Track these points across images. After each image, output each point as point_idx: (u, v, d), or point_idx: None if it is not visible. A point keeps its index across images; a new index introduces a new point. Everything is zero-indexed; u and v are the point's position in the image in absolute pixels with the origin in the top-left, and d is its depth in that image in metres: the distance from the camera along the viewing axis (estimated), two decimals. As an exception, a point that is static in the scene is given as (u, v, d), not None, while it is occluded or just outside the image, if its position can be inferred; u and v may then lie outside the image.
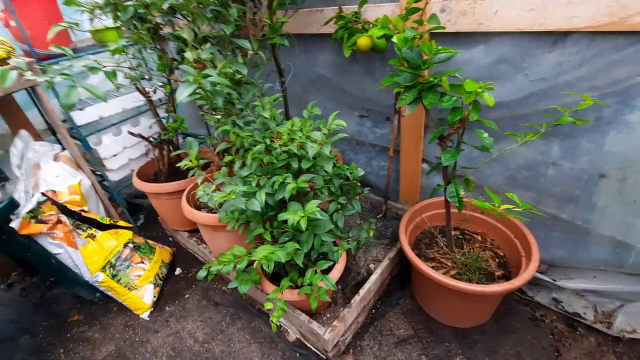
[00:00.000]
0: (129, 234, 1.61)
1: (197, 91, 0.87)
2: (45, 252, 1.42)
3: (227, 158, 1.00)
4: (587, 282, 1.28)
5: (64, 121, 1.66)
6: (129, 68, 1.06)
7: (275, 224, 1.06)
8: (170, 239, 1.95)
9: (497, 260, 1.34)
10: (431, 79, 0.98)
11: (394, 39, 1.00)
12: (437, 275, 1.12)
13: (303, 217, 0.83)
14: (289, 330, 1.35)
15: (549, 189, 1.22)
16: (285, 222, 0.96)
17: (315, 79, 1.65)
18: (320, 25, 1.41)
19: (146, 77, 1.41)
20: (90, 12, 1.19)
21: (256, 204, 0.91)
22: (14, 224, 1.31)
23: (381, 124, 1.59)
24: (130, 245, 1.59)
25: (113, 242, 1.55)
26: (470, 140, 1.21)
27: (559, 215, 1.23)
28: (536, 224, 1.27)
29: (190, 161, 1.02)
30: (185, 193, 1.45)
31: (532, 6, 0.98)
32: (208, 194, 0.93)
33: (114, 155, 1.81)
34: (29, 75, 0.89)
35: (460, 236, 1.45)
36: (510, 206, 0.87)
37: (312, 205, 0.87)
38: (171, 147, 1.63)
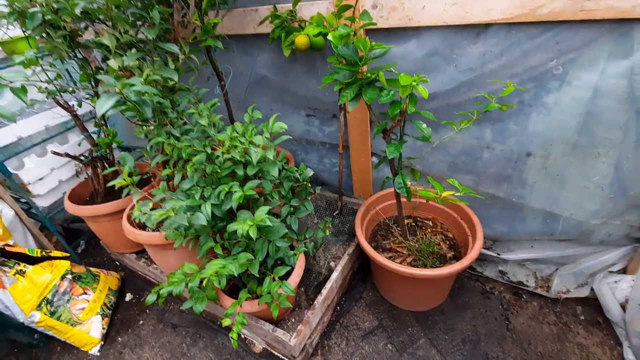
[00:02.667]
0: (66, 265, 1.46)
1: (122, 102, 0.80)
2: (-38, 299, 1.23)
3: (165, 172, 0.93)
4: (526, 252, 1.40)
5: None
6: (43, 82, 0.94)
7: (226, 235, 1.02)
8: (117, 262, 1.80)
9: (447, 242, 1.41)
10: (369, 74, 0.99)
11: (330, 37, 0.99)
12: (393, 265, 1.15)
13: (252, 225, 0.80)
14: (254, 341, 1.31)
15: (485, 171, 1.31)
16: (236, 232, 0.92)
17: (257, 80, 1.61)
18: (257, 25, 1.38)
19: (68, 89, 1.27)
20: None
21: (202, 218, 0.86)
22: None
23: (329, 122, 1.59)
24: (69, 276, 1.44)
25: (47, 275, 1.39)
26: (412, 131, 1.25)
27: (496, 194, 1.33)
28: (478, 204, 1.36)
29: (124, 179, 0.94)
30: (126, 212, 1.34)
31: (454, 1, 1.04)
32: (145, 213, 0.86)
33: (40, 179, 1.62)
34: None
35: (413, 224, 1.51)
36: (452, 192, 0.92)
37: (261, 213, 0.84)
38: (106, 164, 1.49)
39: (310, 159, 1.77)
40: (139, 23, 1.02)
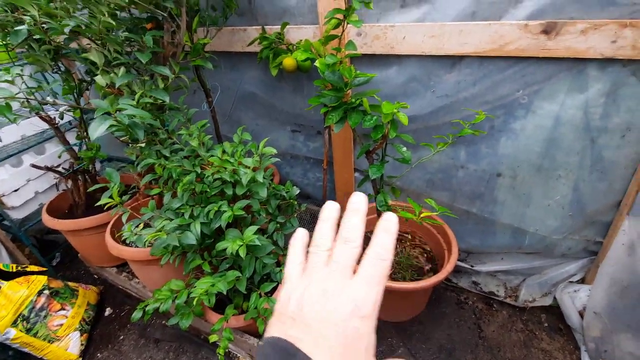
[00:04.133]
0: (42, 280, 1.42)
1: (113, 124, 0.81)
2: None
3: (155, 191, 0.95)
4: (497, 264, 1.50)
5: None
6: (26, 99, 0.94)
7: (213, 252, 1.04)
8: (96, 276, 1.76)
9: (425, 255, 1.49)
10: (353, 100, 1.06)
11: (317, 64, 1.05)
12: (375, 279, 1.21)
13: (242, 245, 0.83)
14: (239, 355, 1.32)
15: (460, 189, 1.40)
16: (224, 250, 0.94)
17: (244, 96, 1.64)
18: (245, 45, 1.41)
19: (50, 102, 1.26)
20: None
21: (191, 237, 0.89)
22: None
23: (313, 138, 1.65)
24: (46, 292, 1.40)
25: (23, 291, 1.34)
26: (392, 153, 1.32)
27: (470, 210, 1.42)
28: (453, 220, 1.45)
29: (112, 197, 0.95)
30: (109, 227, 1.33)
31: (432, 34, 1.12)
32: (136, 234, 0.88)
33: (16, 190, 1.57)
34: None
35: (393, 237, 1.57)
36: (429, 213, 0.99)
37: (250, 233, 0.88)
38: (87, 177, 1.47)
39: (294, 173, 1.81)
40: (129, 44, 1.03)
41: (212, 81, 1.51)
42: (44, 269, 1.46)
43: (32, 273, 1.42)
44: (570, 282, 1.42)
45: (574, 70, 1.05)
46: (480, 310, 1.47)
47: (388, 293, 1.24)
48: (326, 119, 1.10)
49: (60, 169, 1.46)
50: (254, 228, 0.90)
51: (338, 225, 0.35)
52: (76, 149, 1.50)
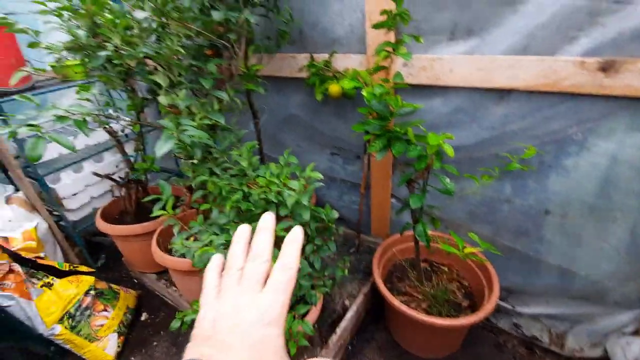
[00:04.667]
0: (90, 280, 1.51)
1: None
2: (-8, 307, 1.29)
3: (204, 206, 1.00)
4: (541, 307, 1.40)
5: (16, 157, 1.56)
6: (98, 114, 1.04)
7: (253, 270, 1.07)
8: (136, 280, 1.85)
9: (463, 290, 1.42)
10: (397, 129, 1.07)
11: (363, 92, 1.08)
12: (409, 311, 1.17)
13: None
14: (266, 374, 1.32)
15: (505, 223, 1.35)
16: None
17: (288, 118, 1.71)
18: (295, 71, 1.49)
19: (115, 117, 1.38)
20: (57, 53, 1.16)
21: (235, 254, 0.92)
22: (-43, 278, 1.19)
23: (352, 162, 1.67)
24: (92, 292, 1.49)
25: (72, 290, 1.44)
26: (434, 183, 1.31)
27: (514, 247, 1.36)
28: (495, 255, 1.39)
29: (164, 209, 1.01)
30: (155, 236, 1.40)
31: (481, 67, 1.12)
32: (186, 246, 0.92)
33: (75, 194, 1.71)
34: None
35: (429, 268, 1.53)
36: (473, 249, 0.96)
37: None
38: (139, 187, 1.57)
39: (330, 195, 1.83)
40: (192, 69, 1.12)
41: (259, 103, 1.59)
42: (92, 270, 1.56)
43: (82, 273, 1.52)
44: (623, 333, 1.29)
45: (633, 109, 1.00)
46: (521, 355, 1.38)
47: (423, 327, 1.19)
48: (369, 146, 1.12)
49: (115, 177, 1.58)
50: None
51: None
52: (132, 160, 1.62)
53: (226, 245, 0.95)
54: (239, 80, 1.19)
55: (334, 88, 1.33)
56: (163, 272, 1.70)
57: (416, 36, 1.01)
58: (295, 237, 0.37)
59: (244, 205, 1.01)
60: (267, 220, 0.38)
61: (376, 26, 1.03)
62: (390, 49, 1.05)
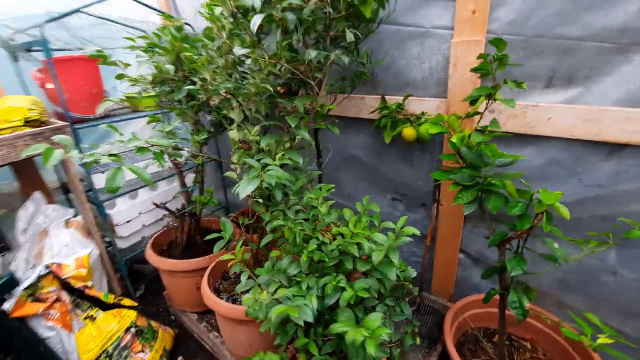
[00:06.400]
0: (132, 316, 1.43)
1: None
2: (34, 338, 1.23)
3: (274, 253, 0.90)
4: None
5: (80, 180, 1.58)
6: (173, 148, 1.02)
7: (319, 330, 0.93)
8: (173, 317, 1.75)
9: (553, 376, 1.18)
10: (493, 181, 0.95)
11: (454, 139, 0.99)
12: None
13: (372, 339, 0.71)
14: None
15: (608, 298, 1.13)
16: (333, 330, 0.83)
17: (347, 159, 1.64)
18: (362, 112, 1.44)
19: (185, 150, 1.38)
20: (143, 85, 1.18)
21: (308, 313, 0.80)
22: (6, 305, 1.15)
23: (414, 209, 1.54)
24: (133, 329, 1.40)
25: (114, 325, 1.36)
26: (531, 245, 1.15)
27: (621, 329, 1.12)
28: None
29: (227, 247, 0.92)
30: (206, 274, 1.32)
31: (587, 117, 1.00)
32: (258, 300, 0.81)
33: (128, 222, 1.70)
34: (74, 154, 0.83)
35: (508, 342, 1.30)
36: (609, 340, 0.77)
37: (376, 323, 0.76)
38: (193, 220, 1.53)
39: (387, 243, 1.69)
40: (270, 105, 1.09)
41: (322, 143, 1.54)
42: (135, 304, 1.49)
43: (125, 307, 1.45)
44: None
45: None
46: None
47: None
48: (455, 198, 1.00)
49: (171, 208, 1.55)
50: (378, 316, 0.78)
51: None
52: (189, 192, 1.59)
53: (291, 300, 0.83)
54: (313, 119, 1.14)
55: (408, 132, 1.25)
56: (205, 313, 1.59)
57: (518, 82, 0.91)
58: None
59: (316, 255, 0.90)
60: None
61: (475, 70, 0.95)
62: (486, 94, 0.96)
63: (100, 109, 0.98)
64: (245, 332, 1.19)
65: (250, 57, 0.88)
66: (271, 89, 0.91)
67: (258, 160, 0.88)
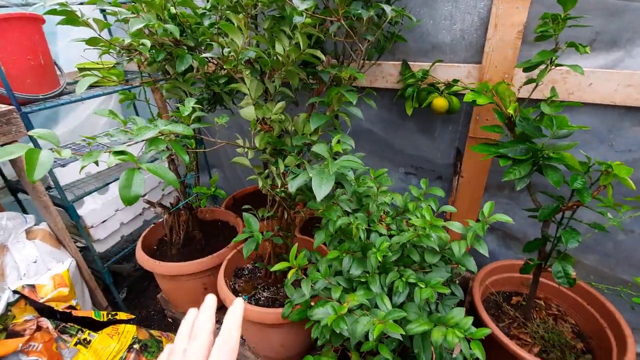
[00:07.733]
0: (132, 330, 1.23)
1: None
2: (16, 379, 1.00)
3: (333, 254, 0.78)
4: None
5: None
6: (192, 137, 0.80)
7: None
8: (170, 320, 1.57)
9: (571, 329, 1.27)
10: (548, 153, 0.90)
11: (510, 110, 0.91)
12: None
13: (464, 340, 0.65)
14: None
15: (621, 255, 1.21)
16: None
17: (357, 133, 1.51)
18: (378, 80, 1.30)
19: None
20: (120, 54, 0.90)
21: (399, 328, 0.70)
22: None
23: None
24: (136, 346, 1.21)
25: (114, 345, 1.16)
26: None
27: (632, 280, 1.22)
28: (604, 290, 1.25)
29: (288, 261, 0.77)
30: (221, 275, 1.14)
31: (630, 82, 0.98)
32: (339, 314, 0.68)
33: (103, 222, 1.42)
34: (66, 154, 0.61)
35: (524, 303, 1.37)
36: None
37: (458, 317, 0.70)
38: (190, 215, 1.31)
39: (400, 218, 1.64)
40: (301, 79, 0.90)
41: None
42: (132, 316, 1.28)
43: (122, 322, 1.24)
44: None
45: None
46: (640, 402, 1.23)
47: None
48: (506, 173, 0.94)
49: (168, 207, 1.31)
50: (460, 311, 0.72)
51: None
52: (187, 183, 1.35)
53: (366, 307, 0.73)
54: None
55: (439, 102, 1.15)
56: (215, 314, 1.43)
57: (581, 45, 0.84)
58: (235, 310, 0.38)
59: (382, 252, 0.80)
60: (210, 300, 0.39)
61: (537, 31, 0.85)
62: (548, 60, 0.88)
63: (82, 88, 0.71)
64: (278, 334, 1.07)
65: (306, 14, 0.68)
66: (321, 54, 0.73)
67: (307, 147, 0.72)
